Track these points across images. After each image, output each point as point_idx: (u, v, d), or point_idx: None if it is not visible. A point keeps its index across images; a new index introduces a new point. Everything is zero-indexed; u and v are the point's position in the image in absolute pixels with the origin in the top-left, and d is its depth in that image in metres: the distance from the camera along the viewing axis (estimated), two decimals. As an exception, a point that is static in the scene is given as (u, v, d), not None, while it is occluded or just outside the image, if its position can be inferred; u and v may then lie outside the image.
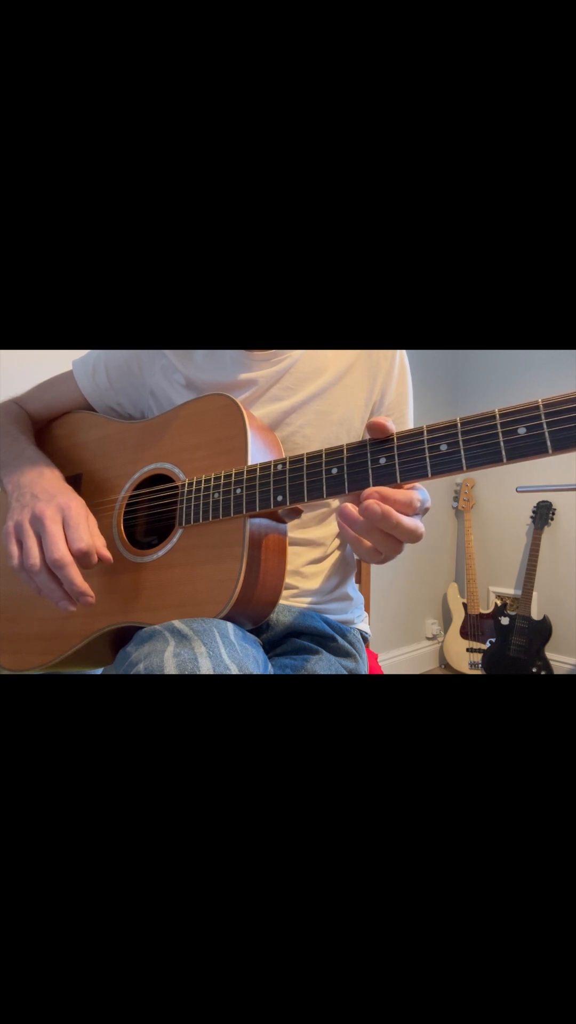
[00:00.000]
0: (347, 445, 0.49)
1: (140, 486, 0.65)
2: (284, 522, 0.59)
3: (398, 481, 0.45)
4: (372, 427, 0.46)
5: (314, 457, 0.50)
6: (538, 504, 2.73)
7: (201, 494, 0.57)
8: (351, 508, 0.43)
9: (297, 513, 0.59)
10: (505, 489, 2.60)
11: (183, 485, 0.59)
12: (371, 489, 0.44)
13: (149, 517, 0.67)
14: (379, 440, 0.47)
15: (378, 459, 0.46)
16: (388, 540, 0.44)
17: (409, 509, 0.43)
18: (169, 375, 0.70)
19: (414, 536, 0.43)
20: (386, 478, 0.45)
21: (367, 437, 0.48)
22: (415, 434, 0.45)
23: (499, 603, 2.50)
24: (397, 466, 0.45)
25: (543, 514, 2.67)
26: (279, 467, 0.52)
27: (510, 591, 2.54)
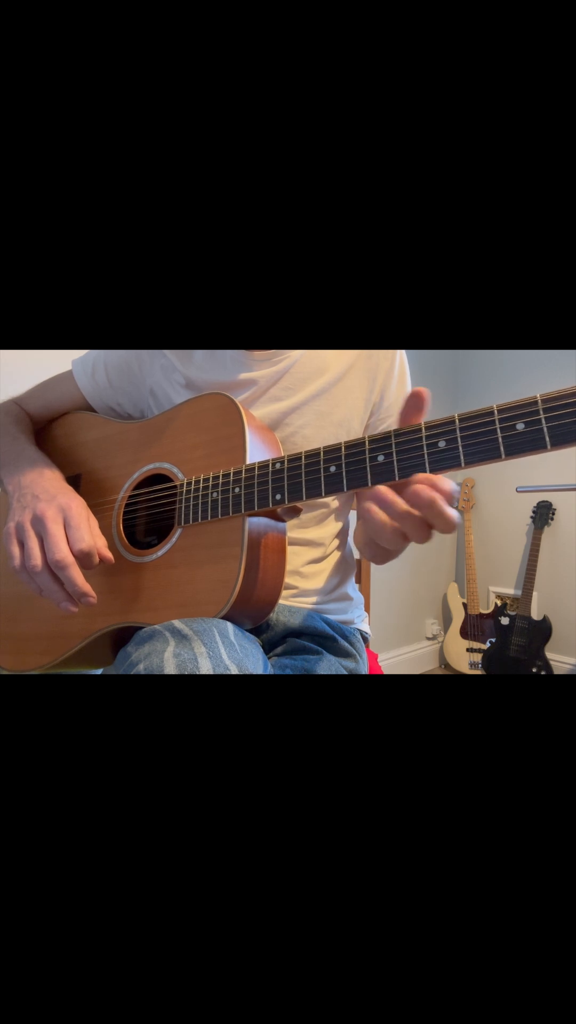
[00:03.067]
0: (345, 443, 0.49)
1: (139, 486, 0.65)
2: (283, 521, 0.59)
3: (396, 478, 0.45)
4: (412, 397, 0.44)
5: (312, 455, 0.50)
6: (538, 504, 2.73)
7: (200, 493, 0.57)
8: (387, 491, 0.43)
9: (296, 512, 0.59)
10: (505, 489, 2.60)
11: (182, 485, 0.59)
12: (422, 475, 0.43)
13: (148, 517, 0.66)
14: (377, 437, 0.47)
15: (376, 456, 0.46)
16: (419, 529, 0.43)
17: (451, 500, 0.42)
18: (169, 375, 0.70)
19: (452, 527, 0.42)
20: (384, 475, 0.45)
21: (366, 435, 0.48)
22: (413, 431, 0.45)
23: (499, 603, 2.49)
24: (396, 463, 0.45)
25: (543, 514, 2.67)
26: (277, 466, 0.52)
27: (510, 591, 2.54)
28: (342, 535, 0.76)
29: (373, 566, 1.39)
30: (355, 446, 0.48)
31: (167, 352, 0.69)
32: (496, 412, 0.41)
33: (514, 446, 0.40)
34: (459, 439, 0.42)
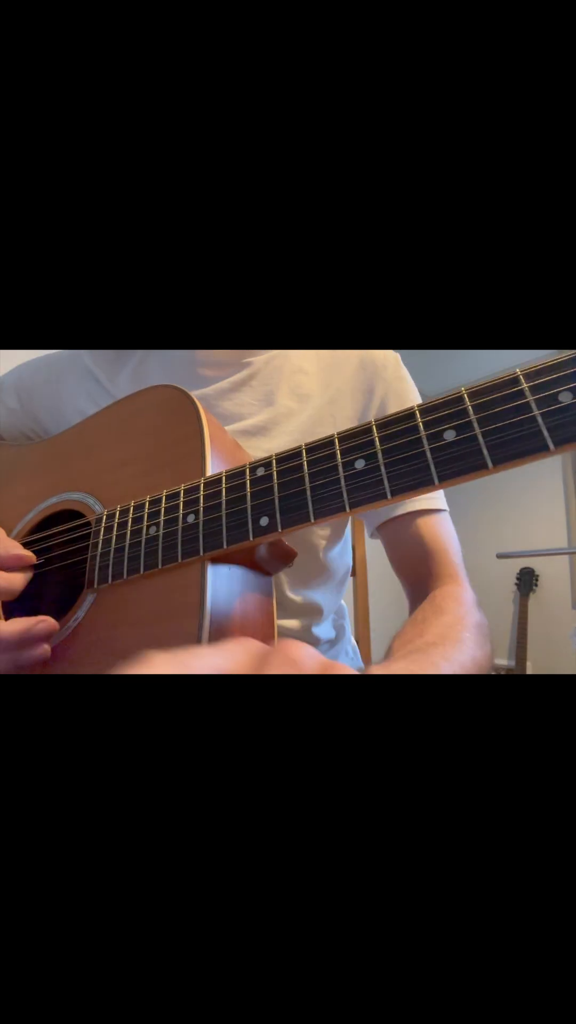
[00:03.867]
0: (376, 421, 0.28)
1: (38, 530, 0.42)
2: (268, 574, 0.36)
3: (489, 466, 0.24)
4: None
5: (321, 447, 0.29)
6: (521, 571, 2.62)
7: (129, 530, 0.34)
8: None
9: (288, 558, 0.36)
10: (485, 556, 2.49)
11: (98, 520, 0.36)
12: None
13: (48, 577, 0.42)
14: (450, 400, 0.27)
15: (441, 435, 0.26)
16: None
17: None
18: (96, 400, 0.50)
19: None
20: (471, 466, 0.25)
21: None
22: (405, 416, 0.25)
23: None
24: (483, 444, 0.24)
25: (527, 580, 2.54)
26: (261, 471, 0.31)
27: (504, 661, 2.37)
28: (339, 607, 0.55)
29: (373, 618, 1.13)
30: (400, 420, 0.27)
31: (98, 374, 0.50)
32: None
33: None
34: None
